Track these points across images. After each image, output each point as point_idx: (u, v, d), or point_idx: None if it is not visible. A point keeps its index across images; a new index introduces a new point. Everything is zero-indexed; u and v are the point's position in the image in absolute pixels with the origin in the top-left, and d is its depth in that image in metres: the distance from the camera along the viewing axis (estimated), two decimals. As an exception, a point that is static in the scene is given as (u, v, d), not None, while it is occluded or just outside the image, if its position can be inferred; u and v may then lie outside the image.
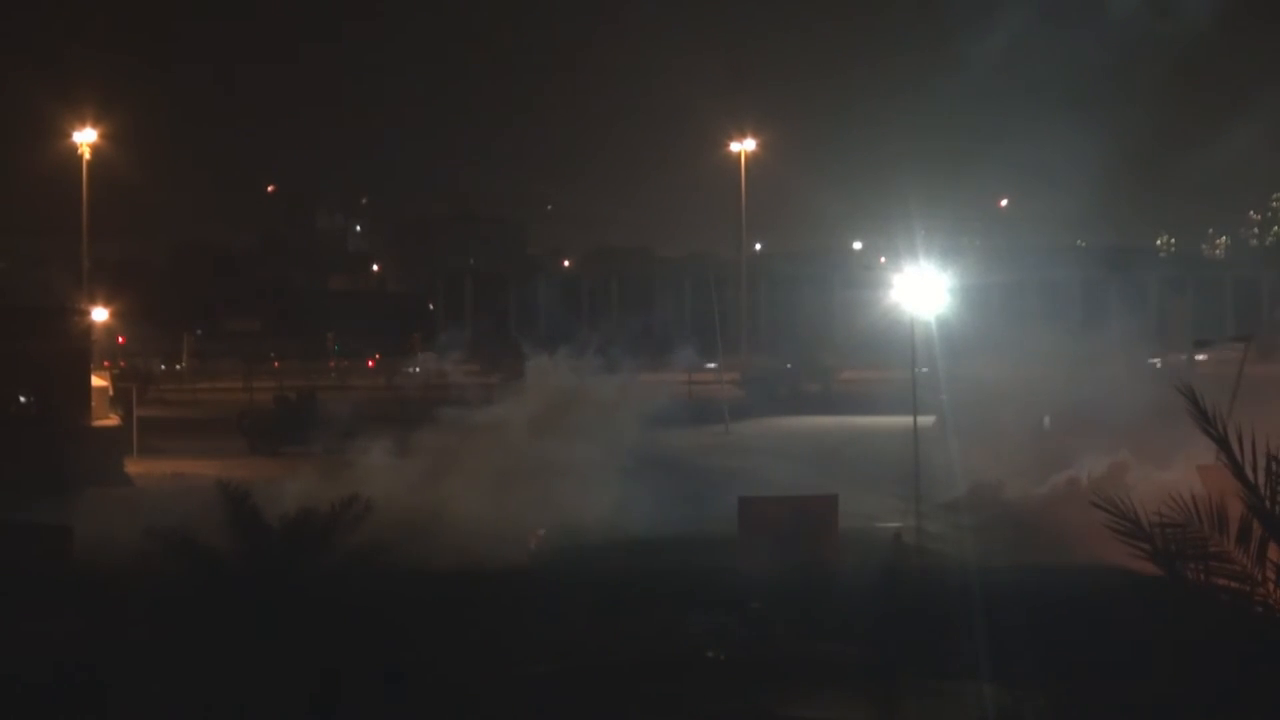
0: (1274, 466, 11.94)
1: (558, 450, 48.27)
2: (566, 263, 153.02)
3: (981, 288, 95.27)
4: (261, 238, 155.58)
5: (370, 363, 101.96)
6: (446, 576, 33.15)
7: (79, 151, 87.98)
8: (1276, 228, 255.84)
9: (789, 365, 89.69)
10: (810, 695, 27.63)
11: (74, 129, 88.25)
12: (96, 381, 61.75)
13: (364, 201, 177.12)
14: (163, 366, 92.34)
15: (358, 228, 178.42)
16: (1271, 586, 11.71)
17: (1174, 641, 12.09)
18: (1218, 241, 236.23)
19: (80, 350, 59.89)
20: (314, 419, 59.15)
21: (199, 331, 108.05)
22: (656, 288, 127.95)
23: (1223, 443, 12.13)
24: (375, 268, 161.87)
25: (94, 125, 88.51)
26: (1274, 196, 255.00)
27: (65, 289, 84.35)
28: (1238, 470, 12.01)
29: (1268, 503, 11.89)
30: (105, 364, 74.01)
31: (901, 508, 45.91)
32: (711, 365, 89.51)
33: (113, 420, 61.15)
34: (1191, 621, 11.83)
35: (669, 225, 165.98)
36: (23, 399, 57.39)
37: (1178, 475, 34.04)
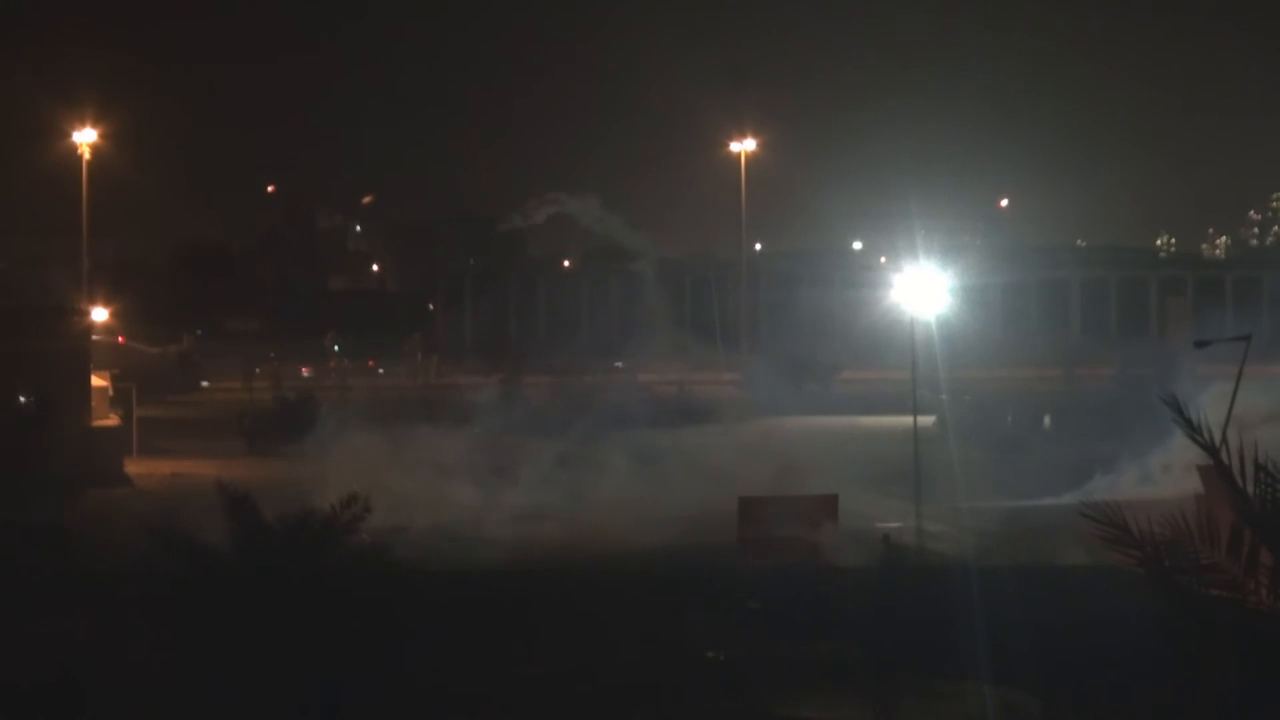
0: (1264, 474, 11.95)
1: None
2: (566, 263, 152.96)
3: (981, 288, 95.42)
4: (261, 238, 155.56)
5: (371, 363, 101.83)
6: (447, 576, 33.14)
7: (79, 151, 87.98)
8: (1277, 228, 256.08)
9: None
10: (810, 695, 27.65)
11: (74, 129, 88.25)
12: (96, 381, 61.72)
13: (365, 201, 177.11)
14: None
15: (358, 228, 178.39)
16: (1264, 593, 11.73)
17: (1170, 643, 12.11)
18: (1218, 241, 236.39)
19: (80, 350, 59.85)
20: (314, 419, 59.04)
21: (199, 331, 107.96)
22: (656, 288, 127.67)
23: (1212, 450, 12.12)
24: (375, 268, 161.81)
25: (94, 125, 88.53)
26: (1274, 196, 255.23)
27: (65, 289, 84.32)
28: (1229, 477, 12.01)
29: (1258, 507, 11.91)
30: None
31: (902, 508, 45.92)
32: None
33: (113, 420, 61.13)
34: (1187, 624, 11.85)
35: (669, 225, 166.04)
36: (23, 399, 57.39)
37: None
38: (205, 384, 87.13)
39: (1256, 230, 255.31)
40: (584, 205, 74.16)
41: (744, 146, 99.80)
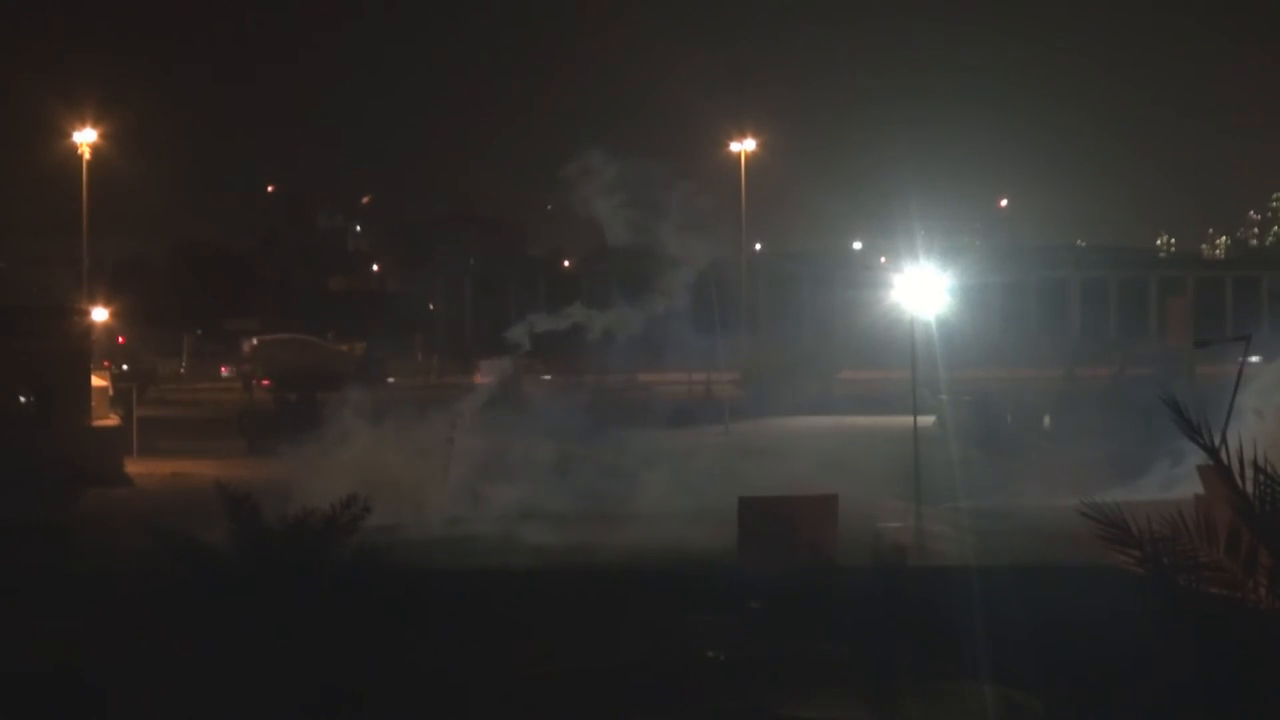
0: (1263, 475, 11.96)
1: None
2: (566, 263, 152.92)
3: (981, 288, 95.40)
4: (261, 238, 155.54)
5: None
6: (447, 576, 33.15)
7: (79, 151, 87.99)
8: (1277, 228, 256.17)
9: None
10: (810, 695, 27.63)
11: (74, 129, 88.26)
12: (96, 381, 61.73)
13: (365, 201, 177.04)
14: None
15: (358, 228, 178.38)
16: (1263, 591, 11.73)
17: (1170, 643, 12.11)
18: (1218, 241, 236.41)
19: (80, 350, 59.85)
20: (314, 419, 59.06)
21: (199, 331, 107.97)
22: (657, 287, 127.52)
23: (1211, 451, 12.12)
24: (375, 268, 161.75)
25: (94, 125, 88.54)
26: (1274, 196, 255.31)
27: (65, 289, 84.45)
28: (1228, 477, 12.01)
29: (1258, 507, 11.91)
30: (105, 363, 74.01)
31: (902, 508, 45.95)
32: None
33: (113, 420, 61.13)
34: (1186, 624, 11.85)
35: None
36: (23, 399, 57.41)
37: None
38: (391, 380, 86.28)
39: (1256, 230, 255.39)
40: (654, 175, 70.90)
41: (744, 147, 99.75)
